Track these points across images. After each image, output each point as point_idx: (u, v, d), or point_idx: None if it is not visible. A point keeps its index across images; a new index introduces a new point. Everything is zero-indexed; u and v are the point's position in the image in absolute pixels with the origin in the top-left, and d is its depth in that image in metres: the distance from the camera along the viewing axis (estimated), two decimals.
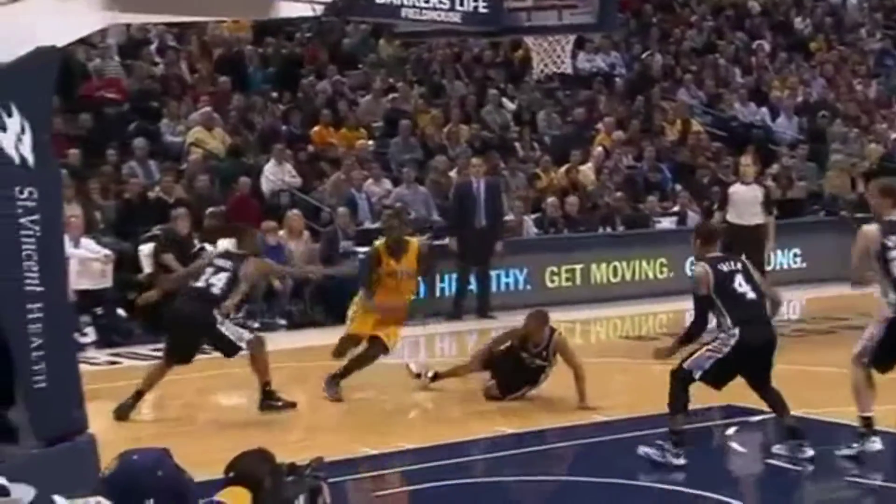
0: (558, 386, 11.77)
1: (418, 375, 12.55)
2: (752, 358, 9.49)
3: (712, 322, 9.55)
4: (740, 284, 9.47)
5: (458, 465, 9.92)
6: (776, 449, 9.84)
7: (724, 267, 9.54)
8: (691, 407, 9.67)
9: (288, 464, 6.36)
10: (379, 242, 12.43)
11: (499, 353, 12.02)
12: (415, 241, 12.66)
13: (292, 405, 11.49)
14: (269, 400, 11.37)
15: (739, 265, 9.67)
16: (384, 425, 11.11)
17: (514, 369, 11.71)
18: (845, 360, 14.01)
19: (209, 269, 11.45)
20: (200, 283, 11.33)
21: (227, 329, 11.26)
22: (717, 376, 9.47)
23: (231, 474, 6.06)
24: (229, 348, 11.25)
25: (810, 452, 9.56)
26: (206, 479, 5.78)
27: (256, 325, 15.38)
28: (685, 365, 9.40)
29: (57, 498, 4.56)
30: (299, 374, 13.76)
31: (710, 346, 9.39)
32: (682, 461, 9.39)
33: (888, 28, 30.96)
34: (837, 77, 27.39)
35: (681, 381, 9.38)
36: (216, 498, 5.44)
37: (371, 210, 18.19)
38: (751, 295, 9.52)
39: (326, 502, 6.33)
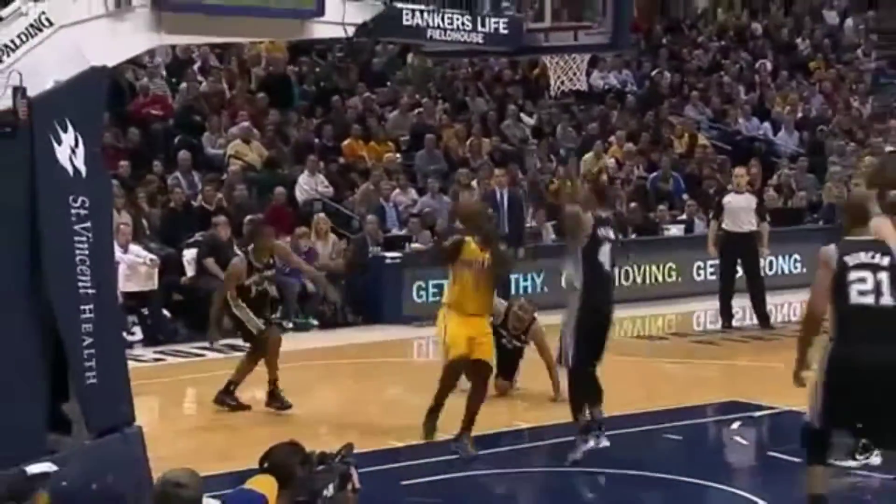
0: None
1: None
2: None
3: None
4: None
5: (487, 455, 9.89)
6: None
7: None
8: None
9: (318, 453, 6.37)
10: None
11: None
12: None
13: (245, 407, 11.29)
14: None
15: None
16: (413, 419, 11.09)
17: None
18: None
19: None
20: None
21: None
22: None
23: (265, 465, 6.08)
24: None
25: None
26: (242, 469, 5.80)
27: (290, 325, 15.36)
28: None
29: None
30: (330, 371, 13.79)
31: None
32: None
33: (882, 48, 30.84)
34: (835, 94, 27.33)
35: None
36: (245, 486, 5.44)
37: (398, 218, 18.19)
38: None
39: (356, 487, 6.34)
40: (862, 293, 7.26)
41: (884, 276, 7.28)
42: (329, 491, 6.07)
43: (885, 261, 7.32)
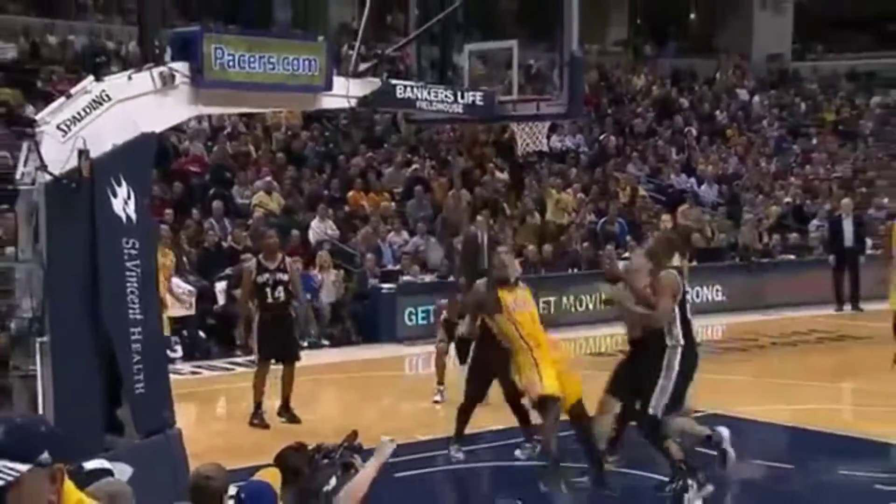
0: None
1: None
2: None
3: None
4: None
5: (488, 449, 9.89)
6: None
7: None
8: None
9: (322, 447, 6.20)
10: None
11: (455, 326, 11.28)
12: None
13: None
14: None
15: None
16: (404, 422, 11.10)
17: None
18: (753, 371, 14.02)
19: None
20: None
21: None
22: None
23: (278, 464, 6.01)
24: None
25: None
26: (262, 464, 5.79)
27: (305, 344, 15.35)
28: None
29: None
30: (336, 383, 13.78)
31: None
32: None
33: (782, 120, 31.28)
34: (746, 156, 27.58)
35: None
36: (255, 477, 5.41)
37: (393, 256, 18.22)
38: None
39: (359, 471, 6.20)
40: None
41: None
42: (330, 484, 5.92)
43: None
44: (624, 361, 9.26)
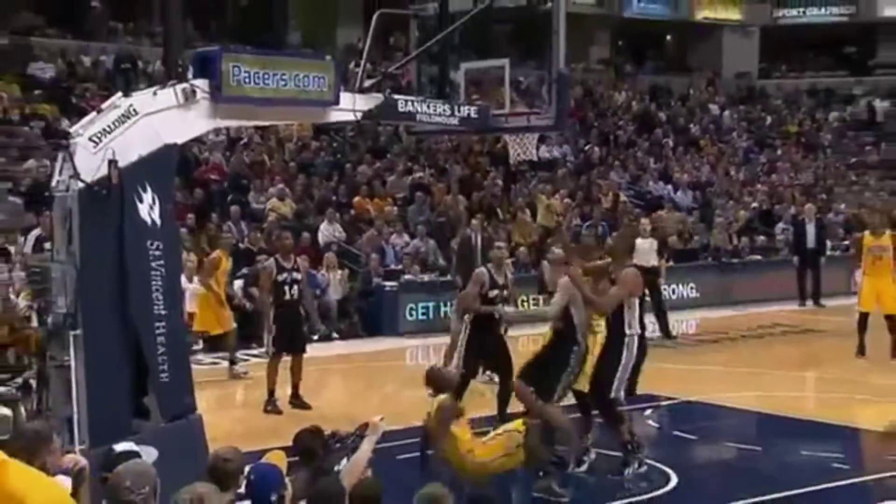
0: None
1: None
2: None
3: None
4: None
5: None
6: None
7: None
8: None
9: (335, 433, 6.24)
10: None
11: None
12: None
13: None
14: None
15: None
16: (405, 407, 11.03)
17: None
18: (724, 361, 14.00)
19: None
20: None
21: None
22: None
23: (295, 444, 6.00)
24: None
25: None
26: (275, 447, 5.77)
27: (316, 337, 15.30)
28: None
29: None
30: (343, 372, 13.76)
31: None
32: None
33: (750, 132, 31.28)
34: (718, 165, 27.52)
35: None
36: (262, 460, 5.38)
37: (395, 256, 18.19)
38: None
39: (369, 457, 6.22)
40: None
41: None
42: (341, 464, 5.89)
43: None
44: (541, 350, 8.84)
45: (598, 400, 8.65)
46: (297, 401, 11.06)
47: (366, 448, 5.80)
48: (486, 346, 9.92)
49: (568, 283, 8.56)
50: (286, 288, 11.02)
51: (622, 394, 8.55)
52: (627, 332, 8.45)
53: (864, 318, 14.09)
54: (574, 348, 8.50)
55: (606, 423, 8.78)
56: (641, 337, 8.61)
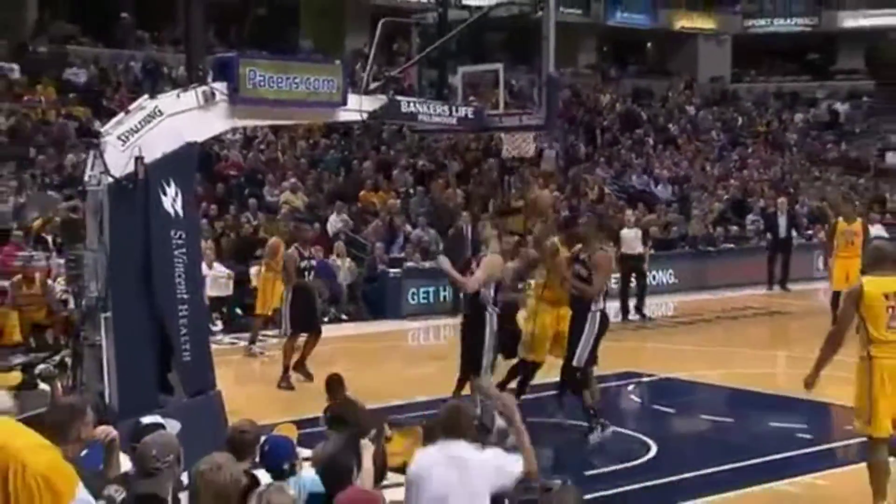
0: None
1: None
2: None
3: None
4: None
5: None
6: None
7: None
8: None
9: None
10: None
11: None
12: None
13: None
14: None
15: None
16: (406, 384, 11.04)
17: None
18: (699, 342, 13.99)
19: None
20: None
21: None
22: None
23: (328, 415, 5.95)
24: None
25: None
26: (293, 419, 5.75)
27: (326, 319, 15.25)
28: None
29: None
30: (349, 352, 13.75)
31: None
32: None
33: (725, 132, 31.21)
34: (695, 161, 27.46)
35: None
36: (275, 432, 5.36)
37: (398, 245, 18.14)
38: None
39: (387, 436, 6.24)
40: None
41: None
42: (372, 434, 5.84)
43: None
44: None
45: (563, 367, 8.79)
46: (301, 370, 11.02)
47: (369, 467, 5.43)
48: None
49: (608, 261, 8.67)
50: (305, 274, 11.14)
51: (583, 362, 8.57)
52: (592, 307, 8.57)
53: (836, 296, 14.08)
54: (590, 315, 8.51)
55: (571, 390, 8.87)
56: (603, 312, 8.68)
